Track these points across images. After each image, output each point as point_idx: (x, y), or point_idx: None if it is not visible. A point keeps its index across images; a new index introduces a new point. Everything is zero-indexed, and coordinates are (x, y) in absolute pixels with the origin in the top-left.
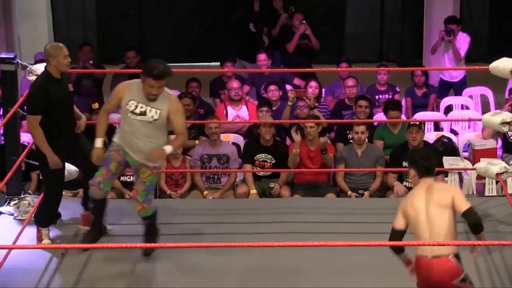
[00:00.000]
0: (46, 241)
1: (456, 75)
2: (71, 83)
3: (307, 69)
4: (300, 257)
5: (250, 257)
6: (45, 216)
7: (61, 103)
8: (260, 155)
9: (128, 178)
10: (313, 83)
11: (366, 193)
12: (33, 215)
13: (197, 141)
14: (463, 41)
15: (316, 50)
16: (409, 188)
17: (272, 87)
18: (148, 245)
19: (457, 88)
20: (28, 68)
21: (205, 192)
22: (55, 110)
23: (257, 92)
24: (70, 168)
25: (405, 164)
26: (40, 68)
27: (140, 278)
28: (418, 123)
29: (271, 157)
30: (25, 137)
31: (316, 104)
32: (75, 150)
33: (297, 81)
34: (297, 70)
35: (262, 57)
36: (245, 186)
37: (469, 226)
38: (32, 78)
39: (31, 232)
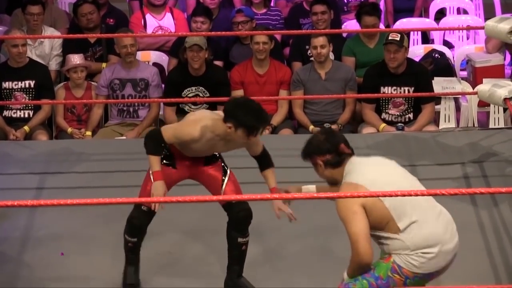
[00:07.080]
0: None
1: None
2: None
3: None
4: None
5: (188, 213)
6: None
7: None
8: (190, 89)
9: (14, 112)
10: None
11: (334, 127)
12: None
13: (104, 64)
14: None
15: None
16: (388, 122)
17: None
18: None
19: None
20: None
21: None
22: None
23: None
24: None
25: (383, 89)
26: None
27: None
28: (398, 39)
29: (203, 89)
30: None
31: (264, 10)
32: None
33: None
34: None
35: None
36: None
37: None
38: None
39: None
